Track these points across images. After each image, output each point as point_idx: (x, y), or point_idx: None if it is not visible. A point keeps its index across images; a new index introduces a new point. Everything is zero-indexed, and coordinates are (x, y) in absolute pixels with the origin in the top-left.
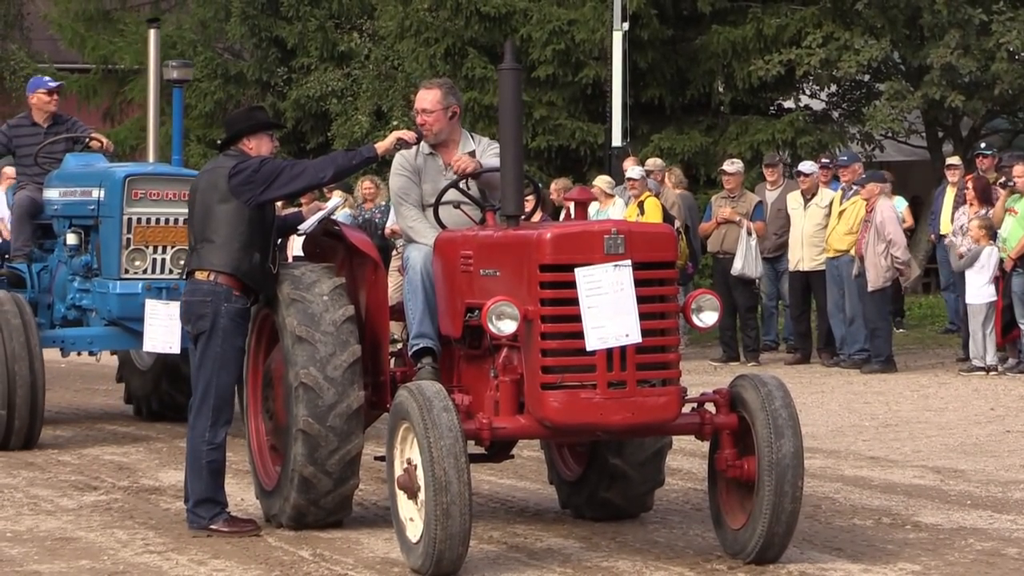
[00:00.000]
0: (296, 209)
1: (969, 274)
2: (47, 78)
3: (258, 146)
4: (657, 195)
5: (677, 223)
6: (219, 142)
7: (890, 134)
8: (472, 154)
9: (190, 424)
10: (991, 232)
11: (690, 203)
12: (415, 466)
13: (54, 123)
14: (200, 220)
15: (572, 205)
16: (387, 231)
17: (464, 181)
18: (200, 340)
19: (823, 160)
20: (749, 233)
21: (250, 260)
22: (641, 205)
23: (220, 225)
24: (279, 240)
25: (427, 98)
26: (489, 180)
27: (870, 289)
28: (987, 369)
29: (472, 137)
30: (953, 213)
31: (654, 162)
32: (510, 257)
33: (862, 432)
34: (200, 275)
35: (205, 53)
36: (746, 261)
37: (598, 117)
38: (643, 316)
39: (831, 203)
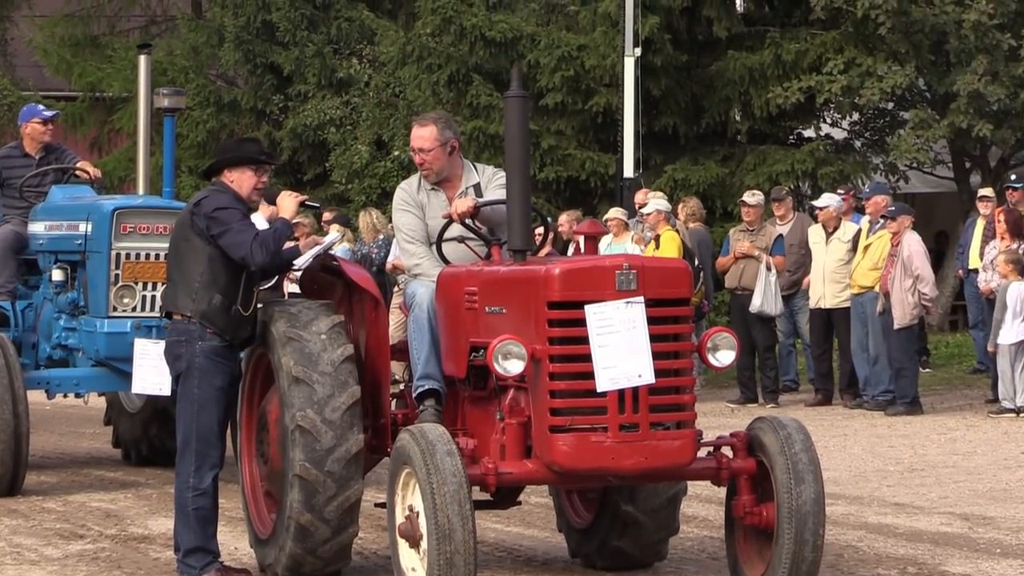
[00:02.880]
0: (292, 244)
1: (998, 311)
2: (41, 107)
3: (239, 180)
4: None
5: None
6: (204, 171)
7: (915, 164)
8: (477, 187)
9: (176, 470)
10: (1020, 267)
11: (702, 238)
12: (417, 513)
13: (46, 153)
14: (169, 257)
15: (582, 239)
16: (388, 266)
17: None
18: (180, 381)
19: (840, 189)
20: (768, 268)
21: (209, 302)
22: (657, 239)
23: (182, 263)
24: (275, 277)
25: (423, 136)
26: (494, 213)
27: (896, 327)
28: (1017, 411)
29: (475, 168)
30: (983, 247)
31: (662, 202)
32: (517, 294)
33: (886, 477)
34: (177, 314)
35: (197, 80)
36: (765, 298)
37: (609, 147)
38: (656, 355)
39: (854, 237)
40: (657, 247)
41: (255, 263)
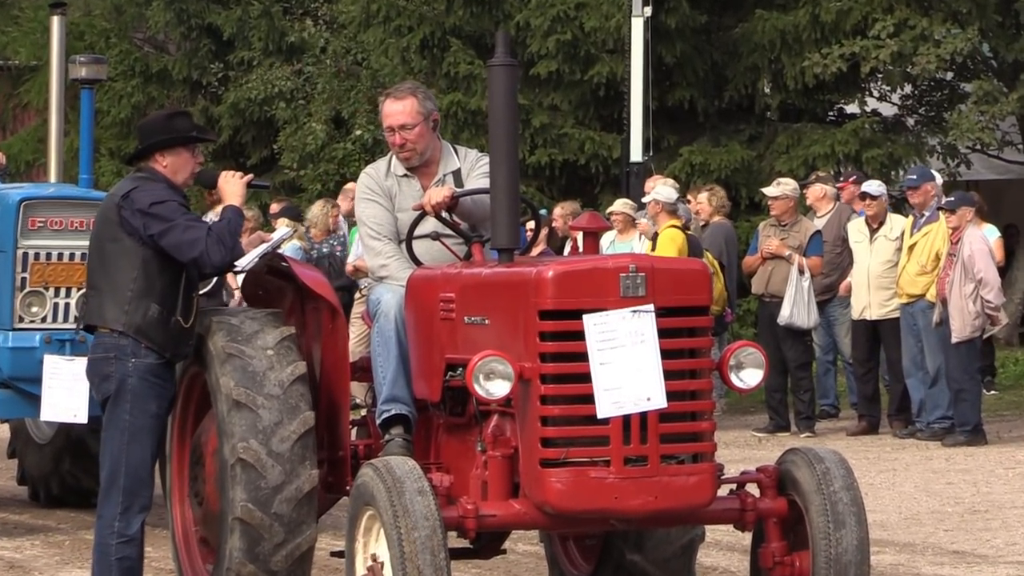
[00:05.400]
0: None
1: None
2: None
3: (174, 164)
4: (687, 226)
5: (711, 257)
6: (128, 156)
7: (979, 146)
8: (457, 173)
9: (97, 512)
10: None
11: (728, 233)
12: (382, 564)
13: None
14: (91, 260)
15: (580, 236)
16: (349, 268)
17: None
18: (107, 406)
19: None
20: (801, 272)
21: (144, 313)
22: (655, 237)
23: (109, 268)
24: (214, 280)
25: (402, 110)
26: (475, 205)
27: (955, 341)
28: None
29: (456, 151)
30: None
31: (666, 190)
32: (502, 301)
33: (944, 520)
34: (104, 328)
35: (121, 45)
36: (796, 306)
37: (613, 125)
38: (669, 375)
39: (902, 234)
40: (654, 247)
41: (212, 264)
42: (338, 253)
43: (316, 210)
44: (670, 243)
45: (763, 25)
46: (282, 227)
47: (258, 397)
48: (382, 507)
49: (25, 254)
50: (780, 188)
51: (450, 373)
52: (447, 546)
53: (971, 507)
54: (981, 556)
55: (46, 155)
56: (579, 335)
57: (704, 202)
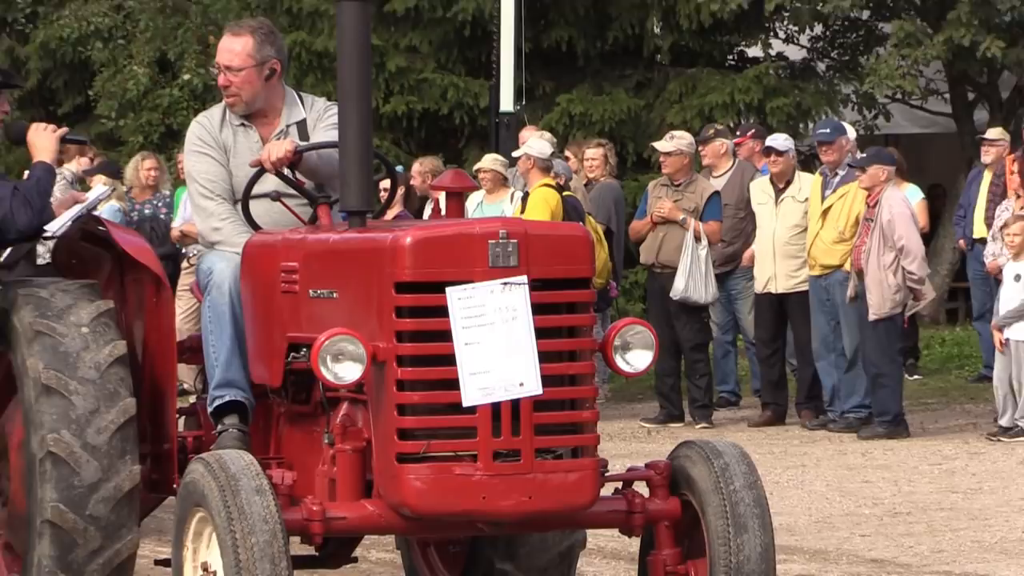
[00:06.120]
0: None
1: (1006, 298)
2: None
3: None
4: (565, 185)
5: (594, 222)
6: None
7: (899, 95)
8: (302, 124)
9: None
10: None
11: (617, 195)
12: (213, 573)
13: None
14: None
15: (443, 196)
16: (175, 233)
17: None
18: None
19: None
20: (697, 239)
21: None
22: (526, 198)
23: None
24: (21, 247)
25: (232, 49)
26: (322, 161)
27: (872, 318)
28: None
29: (301, 99)
30: (990, 209)
31: (539, 144)
32: (353, 271)
33: (860, 523)
34: None
35: None
36: (692, 278)
37: (480, 70)
38: (544, 357)
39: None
40: (523, 209)
41: (18, 228)
42: (162, 216)
43: (136, 166)
44: (542, 204)
45: None
46: (98, 186)
47: (71, 382)
48: (214, 508)
49: None
50: (674, 143)
51: (293, 354)
52: (289, 553)
53: (891, 509)
54: (903, 565)
55: None
56: (441, 311)
57: (598, 158)
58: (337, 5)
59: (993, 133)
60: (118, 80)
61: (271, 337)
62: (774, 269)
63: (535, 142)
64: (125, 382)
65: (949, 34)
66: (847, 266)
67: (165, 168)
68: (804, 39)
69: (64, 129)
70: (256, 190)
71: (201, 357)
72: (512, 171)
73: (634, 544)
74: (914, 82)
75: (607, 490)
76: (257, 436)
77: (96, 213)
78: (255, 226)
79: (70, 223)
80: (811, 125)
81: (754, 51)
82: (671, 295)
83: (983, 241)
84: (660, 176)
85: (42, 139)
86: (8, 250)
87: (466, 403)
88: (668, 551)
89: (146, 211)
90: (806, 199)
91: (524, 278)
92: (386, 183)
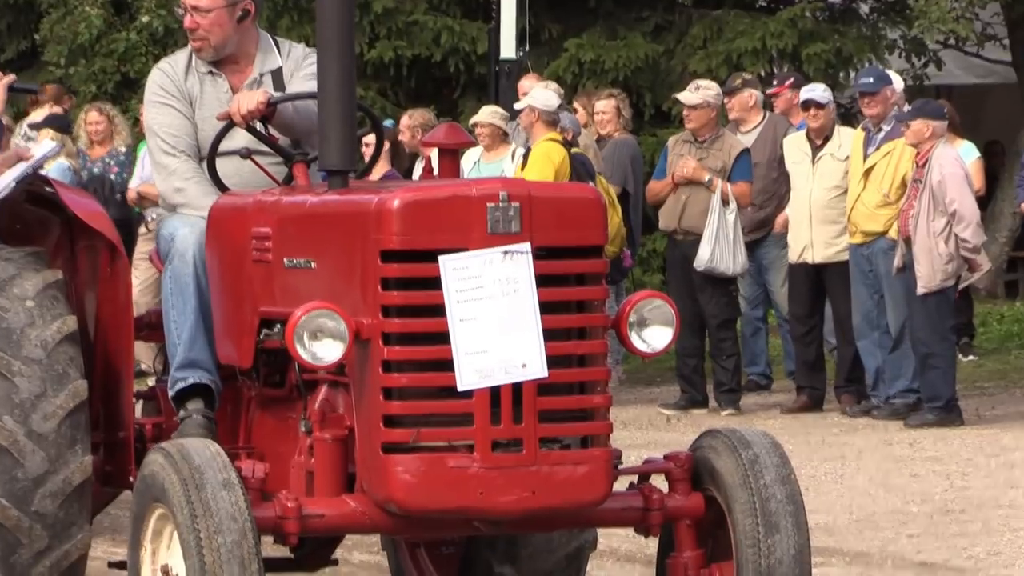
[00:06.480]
0: None
1: None
2: None
3: None
4: (574, 141)
5: (606, 183)
6: None
7: (952, 40)
8: (277, 73)
9: None
10: None
11: (634, 153)
12: None
13: None
14: None
15: (435, 154)
16: (133, 194)
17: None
18: None
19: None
20: (725, 202)
21: None
22: (527, 155)
23: None
24: None
25: None
26: (298, 114)
27: (921, 292)
28: None
29: (277, 45)
30: None
31: (544, 95)
32: (333, 238)
33: (907, 523)
34: None
35: None
36: (719, 247)
37: (478, 11)
38: (550, 335)
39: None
40: (523, 167)
41: None
42: (111, 176)
43: (93, 120)
44: (544, 160)
45: None
46: (46, 141)
47: (14, 362)
48: (176, 505)
49: None
50: (700, 94)
51: (265, 331)
52: (260, 555)
53: (942, 506)
54: (956, 569)
55: None
56: (433, 283)
57: (609, 111)
58: None
59: None
60: (68, 23)
61: (240, 312)
62: (810, 236)
63: (539, 93)
64: (75, 362)
65: None
66: (892, 233)
67: (120, 121)
68: None
69: (11, 77)
70: (224, 146)
71: (161, 334)
72: (513, 125)
73: (651, 545)
74: (969, 26)
75: (621, 485)
76: (224, 423)
77: (43, 172)
78: (223, 187)
79: (14, 184)
80: (852, 74)
81: None
82: (695, 266)
83: None
84: (682, 131)
85: None
86: None
87: (461, 387)
88: (690, 553)
89: (96, 170)
90: (846, 157)
91: (527, 246)
92: (371, 139)
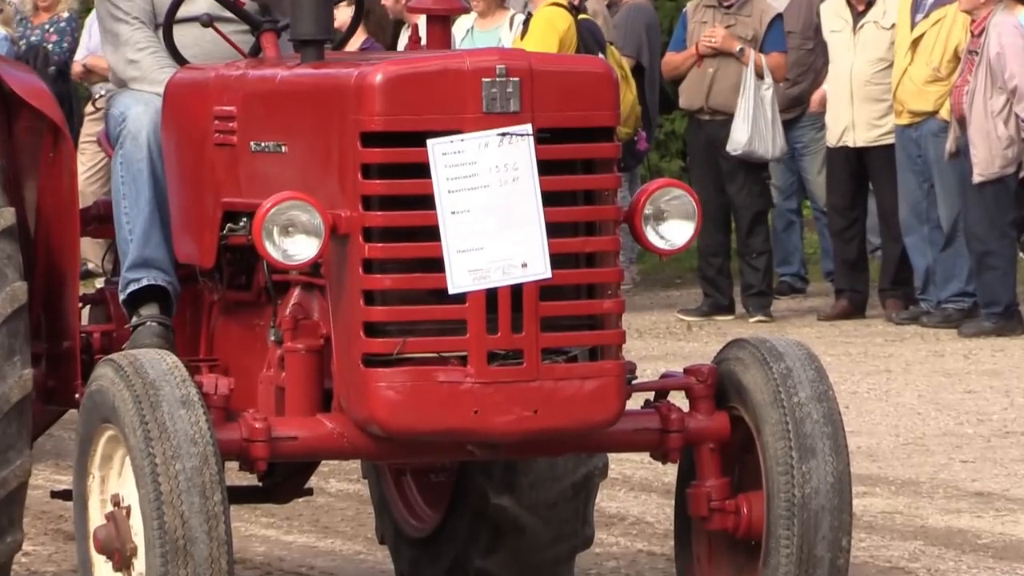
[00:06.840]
0: None
1: None
2: None
3: None
4: (581, 7)
5: (618, 55)
6: None
7: None
8: None
9: None
10: None
11: (651, 20)
12: (128, 509)
13: None
14: None
15: (422, 21)
16: (78, 68)
17: None
18: None
19: None
20: (759, 76)
21: None
22: (528, 21)
23: None
24: None
25: None
26: None
27: (977, 180)
28: None
29: None
30: None
31: None
32: (307, 118)
33: (961, 447)
34: None
35: None
36: (755, 128)
37: None
38: (554, 230)
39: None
40: (523, 36)
41: None
42: (50, 44)
43: None
44: (546, 28)
45: None
46: None
47: None
48: (128, 426)
49: None
50: None
51: (229, 225)
52: (224, 484)
53: (1001, 428)
54: (1017, 500)
55: None
56: (421, 169)
57: None
58: None
59: None
60: None
61: (201, 203)
62: (851, 116)
63: None
64: (13, 261)
65: None
66: (944, 113)
67: None
68: None
69: None
70: (183, 12)
71: (111, 229)
72: None
73: (670, 472)
74: None
75: (635, 403)
76: (183, 331)
77: None
78: (181, 59)
79: None
80: None
81: None
82: (729, 150)
83: None
84: None
85: None
86: None
87: (452, 289)
88: (713, 481)
89: (33, 39)
90: (892, 25)
91: (528, 127)
92: (347, 4)
